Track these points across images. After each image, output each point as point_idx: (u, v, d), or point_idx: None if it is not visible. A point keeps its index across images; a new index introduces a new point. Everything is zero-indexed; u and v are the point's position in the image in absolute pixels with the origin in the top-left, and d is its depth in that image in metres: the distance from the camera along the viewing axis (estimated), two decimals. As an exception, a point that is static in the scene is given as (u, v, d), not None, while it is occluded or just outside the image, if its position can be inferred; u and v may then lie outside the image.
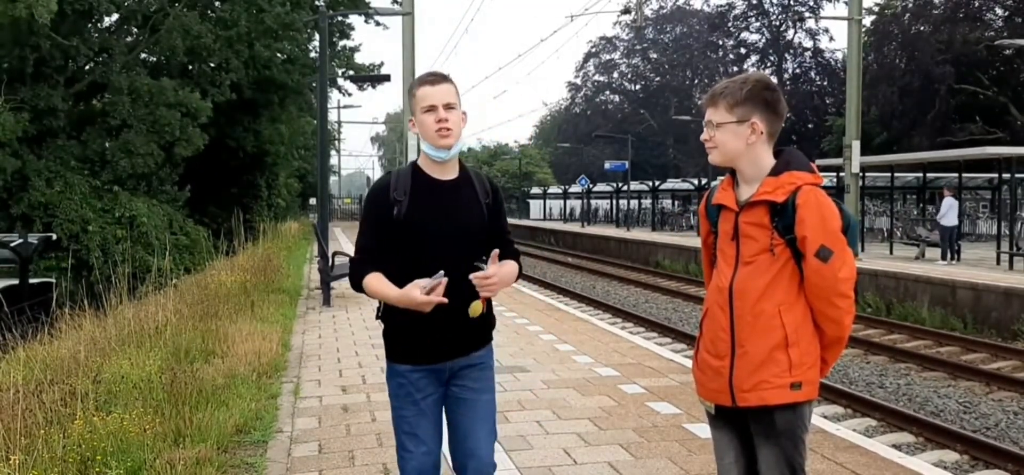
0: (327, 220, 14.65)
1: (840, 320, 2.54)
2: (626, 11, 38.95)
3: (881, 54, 41.49)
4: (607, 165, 49.59)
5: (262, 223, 26.19)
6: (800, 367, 2.53)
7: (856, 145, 20.22)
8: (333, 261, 12.34)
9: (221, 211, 28.79)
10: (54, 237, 20.17)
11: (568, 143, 72.17)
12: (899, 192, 31.85)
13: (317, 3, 27.65)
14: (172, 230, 23.63)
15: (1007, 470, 7.03)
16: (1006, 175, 19.00)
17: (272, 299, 11.98)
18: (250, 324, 8.99)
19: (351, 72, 32.94)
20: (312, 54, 30.42)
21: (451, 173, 2.93)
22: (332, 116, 51.13)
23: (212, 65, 27.13)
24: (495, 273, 2.77)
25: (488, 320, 2.99)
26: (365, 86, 37.02)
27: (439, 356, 2.90)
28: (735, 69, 58.12)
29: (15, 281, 16.05)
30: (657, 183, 41.71)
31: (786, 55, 59.88)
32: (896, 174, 27.12)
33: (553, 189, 63.54)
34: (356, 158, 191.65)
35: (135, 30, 26.31)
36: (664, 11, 68.73)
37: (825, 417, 7.42)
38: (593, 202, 53.15)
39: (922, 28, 39.45)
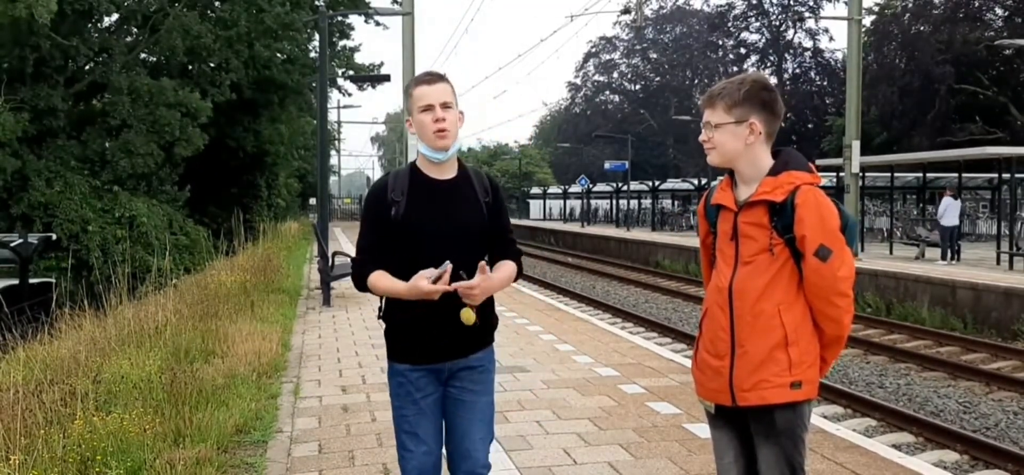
0: (327, 220, 14.65)
1: (839, 319, 2.55)
2: (626, 11, 38.98)
3: (881, 54, 41.49)
4: (607, 165, 49.59)
5: (262, 223, 26.18)
6: (800, 366, 2.54)
7: (856, 145, 20.22)
8: (333, 261, 12.34)
9: (221, 211, 28.79)
10: (54, 237, 20.17)
11: (568, 143, 72.17)
12: (899, 192, 31.86)
13: (317, 3, 27.65)
14: (172, 230, 23.63)
15: (1007, 470, 7.02)
16: (1006, 175, 19.00)
17: (272, 299, 11.97)
18: (250, 324, 8.99)
19: (351, 72, 32.94)
20: (312, 54, 30.42)
21: (449, 173, 2.93)
22: (332, 116, 51.17)
23: (212, 65, 27.13)
24: (478, 284, 2.74)
25: (489, 322, 2.98)
26: (365, 86, 37.04)
27: (438, 356, 2.89)
28: (735, 69, 58.12)
29: (15, 281, 16.04)
30: (657, 183, 41.72)
31: (786, 55, 59.88)
32: (896, 174, 27.13)
33: (553, 189, 63.54)
34: (356, 158, 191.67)
35: (135, 30, 26.31)
36: (664, 11, 68.74)
37: (825, 417, 7.42)
38: (593, 202, 53.15)
39: (922, 28, 39.45)
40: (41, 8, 18.96)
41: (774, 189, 2.53)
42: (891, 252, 21.78)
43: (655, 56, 70.13)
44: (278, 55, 28.44)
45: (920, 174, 26.90)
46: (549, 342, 8.93)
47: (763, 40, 60.81)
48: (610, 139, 58.90)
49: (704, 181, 36.07)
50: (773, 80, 58.26)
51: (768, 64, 59.89)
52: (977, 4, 39.72)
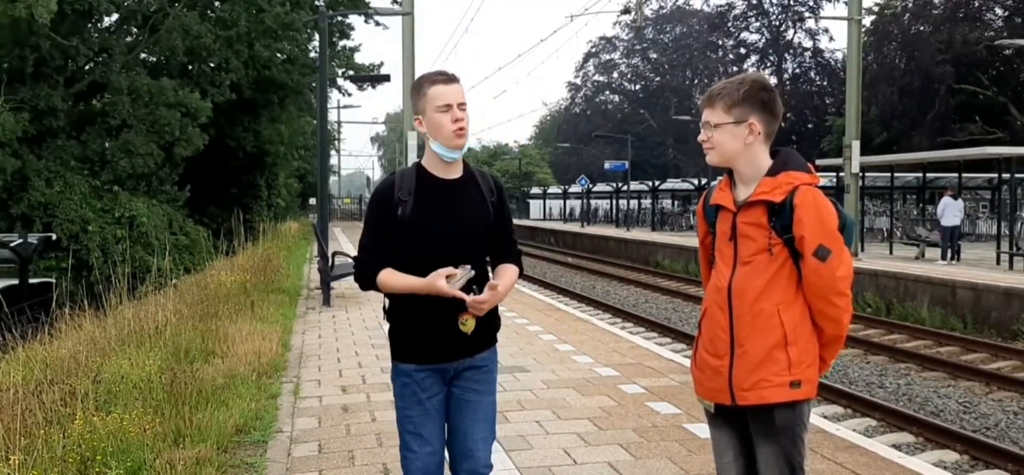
0: (327, 220, 14.65)
1: (838, 318, 2.56)
2: (626, 11, 38.98)
3: (881, 54, 41.50)
4: (607, 165, 49.60)
5: (262, 223, 26.19)
6: (799, 365, 2.55)
7: (856, 145, 20.22)
8: (333, 261, 12.33)
9: (221, 211, 28.78)
10: (54, 237, 20.17)
11: (568, 143, 72.17)
12: (899, 192, 31.86)
13: (317, 3, 27.65)
14: (172, 230, 23.62)
15: (1007, 470, 7.02)
16: (1006, 175, 18.99)
17: (272, 299, 11.97)
18: (250, 324, 8.98)
19: (351, 72, 32.94)
20: (312, 54, 30.42)
21: (456, 172, 2.93)
22: (332, 116, 51.14)
23: (212, 65, 27.13)
24: (487, 299, 2.79)
25: (493, 323, 3.00)
26: (365, 86, 37.04)
27: (445, 355, 2.90)
28: (735, 69, 58.12)
29: (15, 281, 16.05)
30: (657, 183, 41.72)
31: (786, 55, 59.87)
32: (896, 174, 27.13)
33: (553, 189, 63.55)
34: (356, 158, 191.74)
35: (135, 30, 26.31)
36: (664, 11, 68.73)
37: (825, 417, 7.42)
38: (593, 202, 53.16)
39: (922, 28, 39.46)
40: (41, 8, 18.96)
41: (773, 189, 2.54)
42: (891, 252, 21.78)
43: (655, 56, 70.13)
44: (278, 55, 28.44)
45: (920, 174, 26.91)
46: (549, 342, 8.93)
47: (763, 40, 60.81)
48: (610, 139, 58.90)
49: (704, 181, 36.06)
50: (773, 80, 58.31)
51: (768, 64, 59.88)
52: (977, 4, 39.72)
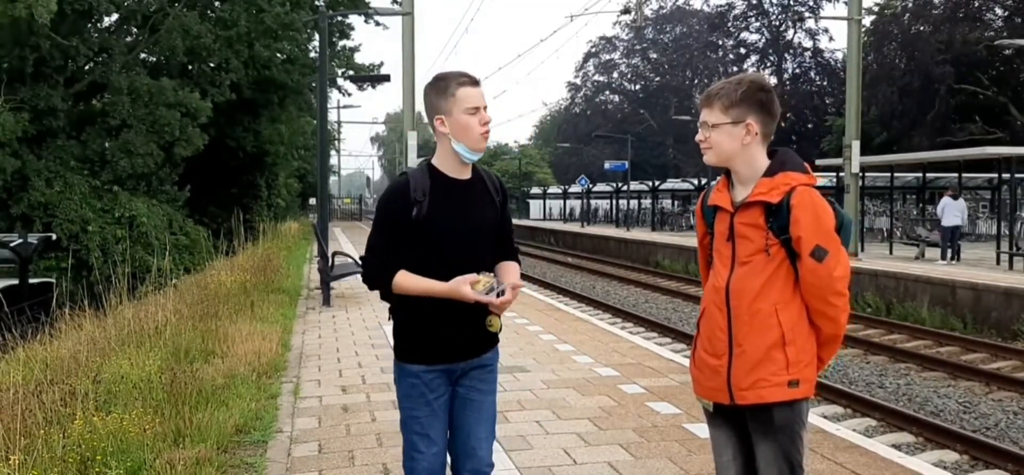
0: (327, 220, 14.64)
1: (836, 318, 2.58)
2: (626, 11, 39.00)
3: (881, 54, 41.50)
4: (607, 165, 49.59)
5: (262, 223, 26.19)
6: (797, 365, 2.56)
7: (856, 145, 20.22)
8: (333, 261, 12.33)
9: (221, 211, 28.78)
10: (54, 237, 20.16)
11: (568, 143, 72.18)
12: (899, 192, 31.85)
13: (317, 3, 27.65)
14: (172, 230, 23.62)
15: (1007, 470, 7.02)
16: (1006, 175, 18.99)
17: (272, 299, 11.97)
18: (250, 324, 8.98)
19: (351, 72, 32.94)
20: (312, 54, 30.42)
21: (467, 173, 2.94)
22: (332, 116, 51.16)
23: (212, 65, 27.12)
24: (511, 299, 2.85)
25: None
26: (365, 86, 37.03)
27: (455, 356, 2.91)
28: (735, 69, 58.14)
29: (15, 281, 16.04)
30: (657, 183, 41.71)
31: (786, 55, 59.88)
32: (896, 174, 27.12)
33: (553, 189, 63.54)
34: (356, 158, 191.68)
35: (135, 30, 26.31)
36: (664, 11, 68.74)
37: (825, 417, 7.42)
38: (593, 202, 53.16)
39: (922, 28, 39.46)
40: (41, 8, 18.96)
41: (770, 190, 2.55)
42: (891, 252, 21.78)
43: (655, 56, 70.13)
44: (278, 55, 28.43)
45: (920, 174, 26.90)
46: (549, 342, 8.93)
47: (763, 40, 60.82)
48: (610, 139, 58.90)
49: (704, 181, 36.05)
50: (773, 80, 58.41)
51: (768, 64, 59.89)
52: (977, 4, 39.72)
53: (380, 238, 2.89)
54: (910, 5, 40.99)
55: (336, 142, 62.75)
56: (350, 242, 27.91)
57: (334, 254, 12.54)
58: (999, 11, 39.90)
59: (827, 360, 2.68)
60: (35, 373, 6.28)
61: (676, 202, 46.28)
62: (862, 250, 21.09)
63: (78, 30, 23.85)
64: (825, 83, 58.25)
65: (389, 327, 3.03)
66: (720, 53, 62.98)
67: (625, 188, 43.68)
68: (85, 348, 6.95)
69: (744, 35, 61.40)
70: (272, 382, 6.90)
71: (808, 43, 59.44)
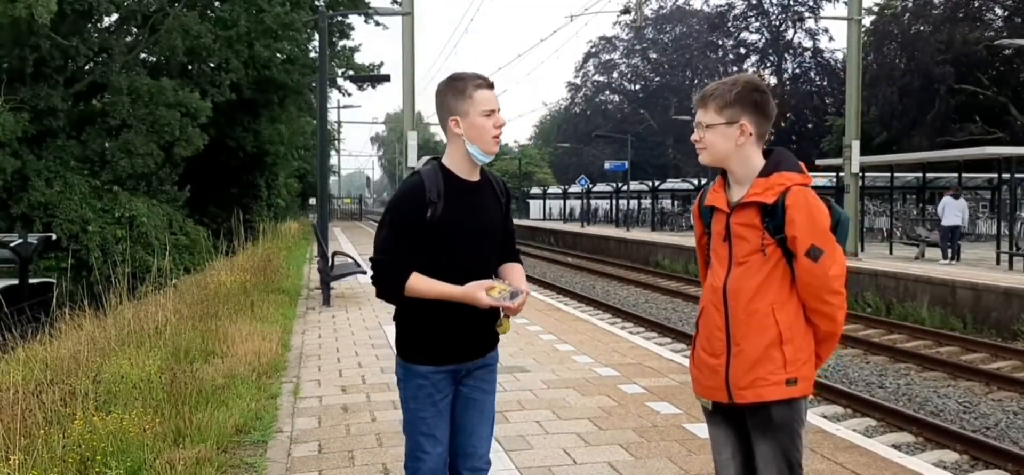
0: (327, 220, 14.64)
1: (833, 316, 2.59)
2: (626, 11, 39.00)
3: (881, 54, 41.50)
4: (607, 165, 49.61)
5: (262, 223, 26.18)
6: (794, 363, 2.58)
7: (856, 145, 20.22)
8: (333, 261, 12.33)
9: (221, 211, 28.78)
10: (54, 237, 20.15)
11: (568, 143, 72.17)
12: (899, 192, 31.85)
13: (317, 3, 27.63)
14: (172, 230, 23.62)
15: (1007, 470, 7.02)
16: (1006, 175, 18.99)
17: (272, 299, 11.97)
18: (250, 324, 8.98)
19: (351, 72, 32.95)
20: (312, 54, 30.42)
21: (477, 175, 2.95)
22: (332, 116, 51.18)
23: (212, 65, 27.12)
24: (524, 301, 2.86)
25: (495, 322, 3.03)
26: (365, 86, 37.06)
27: (463, 356, 2.93)
28: (735, 69, 58.14)
29: (15, 281, 16.04)
30: (657, 183, 41.70)
31: (786, 55, 59.89)
32: (896, 174, 27.12)
33: (553, 189, 63.54)
34: (356, 158, 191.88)
35: (135, 30, 26.30)
36: (664, 11, 68.74)
37: (825, 417, 7.42)
38: (593, 202, 53.14)
39: (922, 28, 39.46)
40: (41, 8, 18.96)
41: (765, 191, 2.56)
42: (891, 252, 21.77)
43: (655, 56, 70.13)
44: (278, 55, 28.44)
45: (920, 174, 26.91)
46: (549, 342, 8.93)
47: (763, 40, 60.84)
48: (610, 139, 58.91)
49: (704, 181, 36.02)
50: (773, 80, 58.45)
51: (768, 64, 59.90)
52: (977, 4, 39.72)
53: (392, 240, 2.85)
54: (910, 5, 40.99)
55: (336, 142, 62.74)
56: (350, 242, 27.92)
57: (334, 254, 12.54)
58: (999, 11, 39.90)
59: (825, 357, 2.70)
60: (35, 373, 6.28)
61: (676, 202, 46.26)
62: (862, 250, 21.09)
63: (78, 30, 23.85)
64: (825, 83, 58.26)
65: (389, 327, 3.03)
66: (720, 53, 62.98)
67: (625, 188, 43.67)
68: (85, 348, 6.95)
69: (744, 35, 61.49)
70: (272, 382, 6.90)
71: (808, 43, 59.54)
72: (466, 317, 2.84)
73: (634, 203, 45.70)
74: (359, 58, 33.75)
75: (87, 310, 8.72)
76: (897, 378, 10.66)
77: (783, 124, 54.62)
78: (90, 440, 4.57)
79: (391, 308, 2.96)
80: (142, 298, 10.03)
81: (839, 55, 55.95)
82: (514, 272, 3.02)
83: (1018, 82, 39.06)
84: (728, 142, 2.62)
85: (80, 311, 8.67)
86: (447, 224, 2.82)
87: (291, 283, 14.87)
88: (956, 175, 23.81)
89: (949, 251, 18.94)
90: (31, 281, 16.44)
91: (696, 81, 64.85)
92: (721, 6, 60.55)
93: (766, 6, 59.32)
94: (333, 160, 68.54)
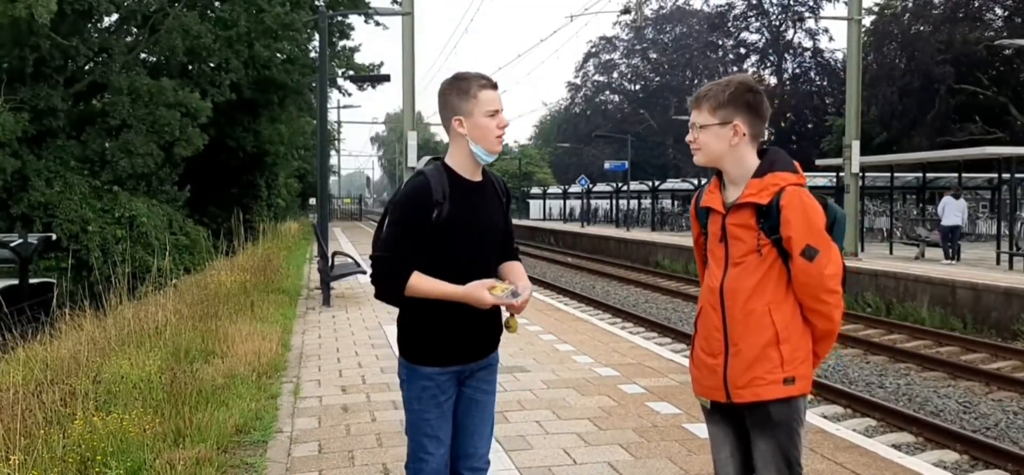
0: (327, 220, 14.64)
1: (829, 314, 2.61)
2: (626, 11, 39.01)
3: (881, 54, 41.50)
4: (607, 165, 49.61)
5: (262, 223, 26.18)
6: (792, 362, 2.59)
7: (856, 145, 20.21)
8: (333, 261, 12.33)
9: (221, 211, 28.78)
10: (54, 237, 20.16)
11: (568, 143, 72.16)
12: (899, 192, 31.85)
13: (317, 3, 27.63)
14: (172, 230, 23.62)
15: (1007, 470, 7.02)
16: (1006, 175, 18.99)
17: (272, 299, 11.97)
18: (250, 324, 8.98)
19: (351, 72, 32.95)
20: (312, 54, 30.42)
21: (479, 174, 2.96)
22: (332, 116, 51.18)
23: (212, 65, 27.12)
24: (528, 299, 2.86)
25: (499, 322, 3.05)
26: (365, 86, 37.06)
27: (469, 356, 2.93)
28: (734, 69, 58.19)
29: (15, 281, 16.05)
30: (657, 183, 41.70)
31: (786, 55, 59.89)
32: (896, 174, 27.13)
33: (553, 189, 63.53)
34: (356, 158, 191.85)
35: (135, 30, 26.30)
36: (664, 11, 68.75)
37: (825, 417, 7.42)
38: (593, 202, 53.14)
39: (922, 28, 39.45)
40: (41, 8, 18.96)
41: (759, 191, 2.57)
42: (891, 252, 21.77)
43: (655, 56, 70.13)
44: (278, 55, 28.43)
45: (920, 174, 26.91)
46: (549, 342, 8.94)
47: (763, 40, 60.83)
48: (610, 139, 58.91)
49: (703, 181, 35.98)
50: (773, 80, 58.46)
51: (768, 64, 59.90)
52: (977, 4, 39.71)
53: (396, 239, 2.83)
54: (910, 5, 40.99)
55: (336, 142, 62.74)
56: (350, 242, 27.92)
57: (334, 254, 12.54)
58: (999, 11, 39.90)
59: (823, 356, 2.72)
60: (35, 373, 6.28)
61: (676, 202, 46.26)
62: (862, 250, 21.09)
63: (78, 30, 23.85)
64: (825, 83, 58.26)
65: (389, 327, 3.03)
66: (720, 53, 62.98)
67: (625, 188, 43.67)
68: (85, 348, 6.95)
69: (744, 35, 61.50)
70: (272, 382, 6.90)
71: (808, 43, 59.54)
72: (467, 317, 2.84)
73: (634, 203, 45.70)
74: (359, 58, 33.78)
75: (87, 310, 8.72)
76: (897, 378, 10.66)
77: (783, 124, 54.64)
78: (90, 440, 4.57)
79: (391, 308, 2.95)
80: (142, 298, 10.03)
81: (839, 55, 56.04)
82: (515, 270, 3.02)
83: (1018, 82, 39.06)
84: (722, 143, 2.63)
85: (80, 311, 8.67)
86: (452, 225, 2.82)
87: (291, 283, 14.87)
88: (956, 175, 23.81)
89: (950, 251, 18.94)
90: (31, 281, 16.45)
91: (696, 81, 64.81)
92: (721, 6, 60.63)
93: (766, 6, 59.33)
94: (333, 160, 68.59)
